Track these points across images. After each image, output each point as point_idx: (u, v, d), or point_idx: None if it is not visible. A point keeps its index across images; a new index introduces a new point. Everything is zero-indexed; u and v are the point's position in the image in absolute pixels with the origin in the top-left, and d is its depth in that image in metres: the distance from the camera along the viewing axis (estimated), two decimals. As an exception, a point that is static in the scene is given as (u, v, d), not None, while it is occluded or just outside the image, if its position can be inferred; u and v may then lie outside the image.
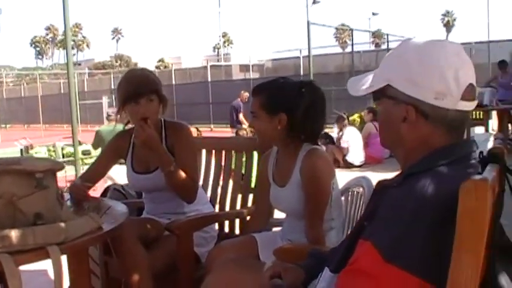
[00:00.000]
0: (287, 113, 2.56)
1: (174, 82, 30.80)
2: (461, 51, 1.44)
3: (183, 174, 2.95)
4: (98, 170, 3.20)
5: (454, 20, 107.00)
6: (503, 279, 1.33)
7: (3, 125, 35.02)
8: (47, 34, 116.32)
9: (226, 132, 21.08)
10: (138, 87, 2.94)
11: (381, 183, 1.54)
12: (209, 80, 30.07)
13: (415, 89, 1.40)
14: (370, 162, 10.59)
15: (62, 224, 2.01)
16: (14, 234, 1.88)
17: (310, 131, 2.60)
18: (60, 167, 2.24)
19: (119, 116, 3.09)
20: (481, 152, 1.45)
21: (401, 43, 1.53)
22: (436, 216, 1.26)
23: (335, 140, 11.07)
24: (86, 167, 9.98)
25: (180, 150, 3.04)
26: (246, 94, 16.06)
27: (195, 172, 3.11)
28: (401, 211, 1.31)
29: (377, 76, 1.51)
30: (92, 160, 11.92)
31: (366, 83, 1.53)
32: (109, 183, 4.99)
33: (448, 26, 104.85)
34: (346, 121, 10.94)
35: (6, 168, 2.02)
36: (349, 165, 10.29)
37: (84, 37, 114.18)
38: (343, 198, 2.85)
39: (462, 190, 1.18)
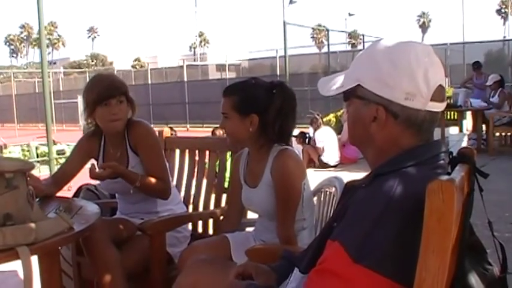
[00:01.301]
0: (258, 114, 2.56)
1: (150, 81, 30.67)
2: (431, 52, 1.45)
3: (151, 180, 2.98)
4: (68, 171, 3.17)
5: (430, 21, 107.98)
6: (473, 278, 1.35)
7: (-23, 124, 34.57)
8: (22, 32, 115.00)
9: (202, 132, 21.05)
10: (108, 89, 2.96)
11: (350, 184, 1.55)
12: (185, 79, 29.98)
13: (386, 89, 1.41)
14: (345, 162, 10.64)
15: (32, 225, 1.99)
16: (-17, 235, 1.86)
17: (282, 132, 2.60)
18: (30, 167, 2.22)
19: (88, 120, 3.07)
20: (451, 153, 1.46)
21: (372, 44, 1.54)
22: (403, 217, 1.27)
23: (310, 140, 11.11)
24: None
25: (144, 152, 3.05)
26: None
27: (163, 172, 3.10)
28: (369, 211, 1.32)
29: (348, 76, 1.51)
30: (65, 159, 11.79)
31: (337, 83, 1.54)
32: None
33: (424, 27, 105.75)
34: (320, 121, 10.97)
35: (-25, 168, 1.99)
36: (324, 165, 10.32)
37: (59, 36, 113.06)
38: (315, 198, 2.86)
39: (429, 191, 1.19)
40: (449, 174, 1.38)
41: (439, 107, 1.44)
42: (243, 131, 2.59)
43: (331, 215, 2.71)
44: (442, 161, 1.44)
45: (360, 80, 1.45)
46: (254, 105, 2.58)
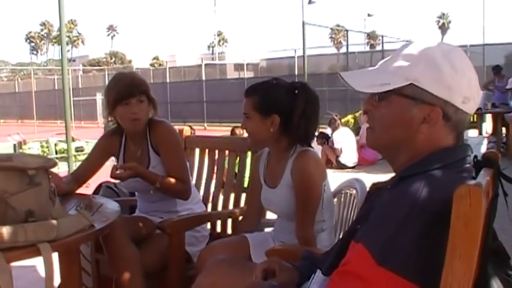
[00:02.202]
0: (280, 114, 2.56)
1: (168, 80, 30.76)
2: None
3: (172, 181, 2.99)
4: (88, 168, 3.19)
5: (449, 22, 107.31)
6: (495, 284, 1.33)
7: (-3, 120, 34.90)
8: (42, 30, 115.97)
9: (220, 130, 21.09)
10: (128, 88, 2.97)
11: (375, 185, 1.54)
12: (203, 78, 30.04)
13: (445, 91, 1.40)
14: (363, 163, 10.61)
15: (54, 222, 2.00)
16: (5, 231, 1.86)
17: (304, 133, 2.59)
18: (53, 164, 2.23)
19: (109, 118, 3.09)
20: (475, 156, 1.45)
21: (420, 45, 1.50)
22: (428, 220, 1.26)
23: (329, 141, 11.09)
24: (78, 164, 10.00)
25: (165, 152, 3.06)
26: None
27: (183, 172, 3.11)
28: (393, 214, 1.31)
29: (393, 74, 1.46)
30: (85, 157, 11.87)
31: (373, 80, 1.49)
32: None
33: (443, 28, 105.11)
34: (338, 122, 10.94)
35: (-2, 164, 2.00)
36: (342, 166, 10.30)
37: (79, 33, 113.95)
38: (335, 199, 2.85)
39: (456, 195, 1.17)
40: (474, 178, 1.37)
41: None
42: (264, 131, 2.58)
43: (352, 216, 2.70)
44: (468, 165, 1.42)
45: (416, 79, 1.41)
46: (275, 106, 2.57)
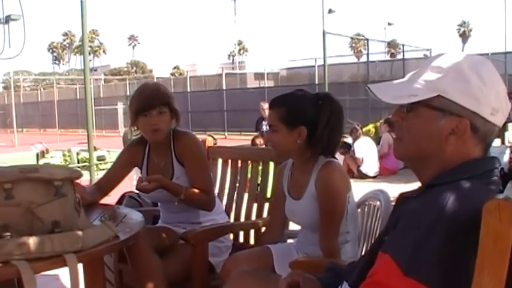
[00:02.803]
0: (307, 126, 2.55)
1: (189, 89, 30.91)
2: None
3: (196, 193, 3.00)
4: (112, 178, 3.22)
5: (470, 30, 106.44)
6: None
7: (20, 129, 35.27)
8: (64, 40, 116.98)
9: (240, 139, 21.13)
10: (149, 100, 2.99)
11: (402, 195, 1.53)
12: (224, 87, 30.12)
13: (473, 102, 1.39)
14: (385, 173, 10.55)
15: (79, 232, 2.01)
16: (32, 241, 1.88)
17: (329, 144, 2.59)
18: (78, 175, 2.25)
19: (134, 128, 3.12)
20: (502, 169, 1.44)
21: (449, 56, 1.49)
22: (454, 230, 1.25)
23: (350, 150, 11.06)
24: (100, 173, 10.08)
25: (190, 163, 3.07)
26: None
27: (208, 184, 3.12)
28: (419, 222, 1.30)
29: (421, 86, 1.45)
30: (107, 166, 11.96)
31: (401, 92, 1.48)
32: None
33: (464, 37, 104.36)
34: (359, 132, 10.90)
35: (25, 176, 2.02)
36: (363, 176, 10.25)
37: (100, 43, 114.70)
38: (359, 210, 2.83)
39: (485, 210, 1.17)
40: (501, 191, 1.36)
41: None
42: (291, 143, 2.57)
43: (375, 228, 2.68)
44: (495, 177, 1.41)
45: (444, 91, 1.41)
46: (302, 117, 2.56)
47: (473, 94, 1.39)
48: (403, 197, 1.52)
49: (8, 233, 1.92)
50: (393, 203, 1.61)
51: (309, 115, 2.56)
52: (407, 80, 1.52)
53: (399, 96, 1.47)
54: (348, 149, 10.87)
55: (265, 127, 10.99)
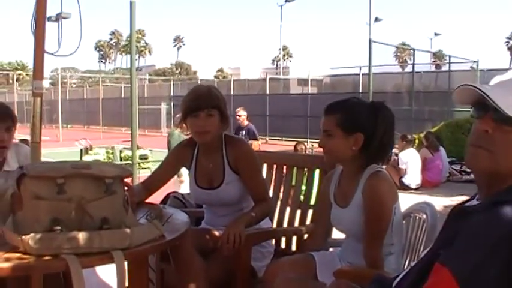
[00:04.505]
0: (364, 133, 2.54)
1: (232, 93, 31.02)
2: None
3: (261, 209, 3.05)
4: (159, 178, 3.25)
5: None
6: None
7: (65, 125, 35.90)
8: (111, 39, 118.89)
9: (282, 145, 21.15)
10: (198, 102, 3.01)
11: (459, 208, 1.48)
12: (267, 92, 30.14)
13: None
14: (427, 185, 10.43)
15: (127, 230, 2.04)
16: (81, 236, 1.92)
17: (383, 152, 2.59)
18: (129, 173, 2.29)
19: (183, 125, 3.14)
20: None
21: None
22: None
23: (392, 160, 10.96)
24: (142, 171, 10.15)
25: (248, 172, 3.09)
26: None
27: (266, 191, 3.21)
28: (483, 240, 1.26)
29: None
30: (149, 165, 12.03)
31: None
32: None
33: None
34: (409, 142, 10.82)
35: (78, 171, 2.06)
36: (405, 188, 10.13)
37: (146, 43, 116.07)
38: (403, 222, 2.80)
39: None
40: None
41: None
42: (346, 150, 2.56)
43: (420, 241, 2.65)
44: None
45: None
46: (359, 124, 2.55)
47: None
48: (461, 210, 1.47)
49: (59, 227, 1.96)
50: (439, 216, 1.56)
51: (367, 123, 2.55)
52: None
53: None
54: (388, 159, 10.77)
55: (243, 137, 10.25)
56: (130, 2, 8.43)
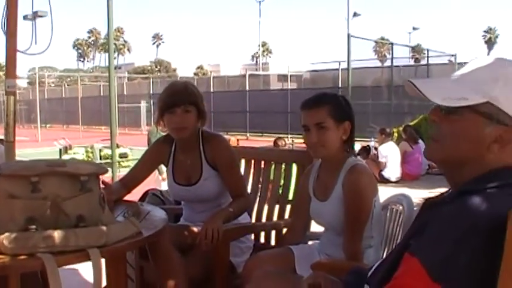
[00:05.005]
0: (351, 120, 2.60)
1: (212, 89, 30.96)
2: None
3: (239, 205, 3.04)
4: (137, 175, 3.23)
5: (497, 37, 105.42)
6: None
7: (44, 125, 35.62)
8: (89, 37, 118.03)
9: (262, 141, 21.14)
10: (175, 98, 3.00)
11: (430, 200, 1.51)
12: (247, 88, 30.13)
13: None
14: (406, 178, 10.50)
15: (104, 228, 2.03)
16: (57, 235, 1.91)
17: (353, 141, 2.67)
18: (104, 171, 2.27)
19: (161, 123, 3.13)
20: None
21: (501, 61, 1.46)
22: (486, 238, 1.25)
23: (372, 154, 11.03)
24: (122, 170, 10.11)
25: (225, 168, 3.09)
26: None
27: (244, 186, 3.22)
28: (452, 230, 1.29)
29: (472, 89, 1.41)
30: (129, 163, 11.97)
31: (451, 93, 1.43)
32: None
33: (490, 43, 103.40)
34: (388, 135, 10.87)
35: (52, 169, 2.05)
36: (384, 181, 10.19)
37: (125, 41, 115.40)
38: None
39: (510, 217, 1.16)
40: None
41: None
42: (337, 140, 2.59)
43: (397, 233, 2.67)
44: None
45: (495, 98, 1.38)
46: (347, 112, 2.61)
47: None
48: (431, 202, 1.50)
49: (34, 226, 1.95)
50: (416, 208, 1.59)
51: (350, 111, 2.63)
52: (457, 80, 1.47)
53: (448, 97, 1.41)
54: (368, 153, 10.85)
55: None
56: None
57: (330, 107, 2.57)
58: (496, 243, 1.21)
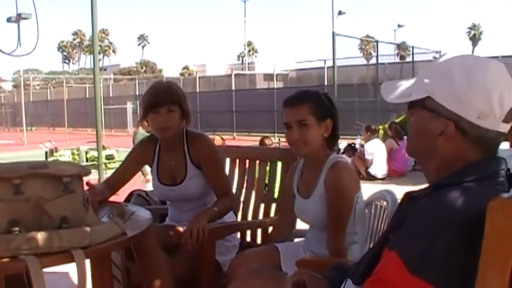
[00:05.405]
0: (332, 118, 2.61)
1: (198, 90, 30.94)
2: (507, 74, 1.44)
3: (223, 204, 3.04)
4: (122, 176, 3.22)
5: (481, 33, 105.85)
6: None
7: (29, 128, 35.45)
8: (74, 39, 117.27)
9: (249, 140, 21.15)
10: (158, 97, 3.00)
11: (408, 195, 1.53)
12: (233, 88, 30.13)
13: (459, 106, 1.39)
14: (393, 175, 10.55)
15: (87, 229, 2.02)
16: (40, 236, 1.90)
17: (337, 138, 2.67)
18: (87, 172, 2.26)
19: (145, 123, 3.13)
20: (508, 170, 1.44)
21: (447, 58, 1.50)
22: (463, 231, 1.26)
23: (358, 151, 11.07)
24: (109, 171, 10.10)
25: (209, 167, 3.09)
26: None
27: (228, 186, 3.22)
28: (428, 223, 1.31)
29: (417, 86, 1.49)
30: (116, 165, 11.96)
31: (403, 91, 1.52)
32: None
33: (474, 40, 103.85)
34: (374, 132, 10.90)
35: (35, 171, 2.04)
36: (371, 178, 10.24)
37: (110, 43, 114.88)
38: (366, 211, 2.84)
39: (490, 208, 1.18)
40: (507, 191, 1.37)
41: (507, 127, 1.43)
42: (319, 137, 2.60)
43: (382, 228, 2.69)
44: (502, 178, 1.42)
45: (432, 92, 1.43)
46: (328, 110, 2.62)
47: (457, 97, 1.40)
48: (409, 196, 1.52)
49: (17, 228, 1.94)
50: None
51: (332, 108, 2.64)
52: (414, 80, 1.54)
53: (400, 95, 1.52)
54: (353, 151, 10.89)
55: None
56: (91, 1, 8.36)
57: (311, 104, 2.58)
58: (474, 236, 1.23)
